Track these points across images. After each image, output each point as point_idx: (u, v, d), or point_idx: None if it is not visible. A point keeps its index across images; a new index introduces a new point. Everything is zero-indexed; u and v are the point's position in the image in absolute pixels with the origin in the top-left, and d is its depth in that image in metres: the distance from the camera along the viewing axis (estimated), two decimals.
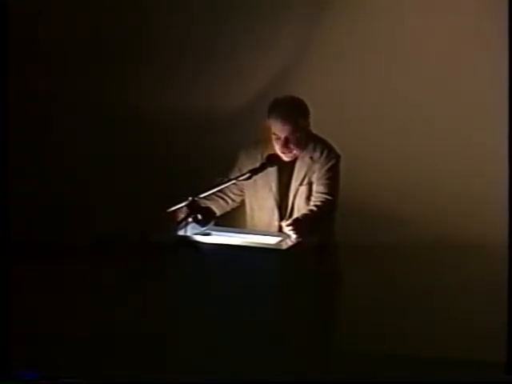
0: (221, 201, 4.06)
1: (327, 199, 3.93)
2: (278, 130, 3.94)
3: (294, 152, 3.97)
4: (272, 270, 3.63)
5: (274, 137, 3.96)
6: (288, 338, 3.67)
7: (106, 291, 4.77)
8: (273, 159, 3.96)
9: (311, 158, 3.98)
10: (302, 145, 3.97)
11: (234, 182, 3.95)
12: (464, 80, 4.84)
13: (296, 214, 3.92)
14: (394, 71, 4.95)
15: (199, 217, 3.81)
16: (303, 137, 3.96)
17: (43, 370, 3.80)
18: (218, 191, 3.99)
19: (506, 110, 4.15)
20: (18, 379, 3.71)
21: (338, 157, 4.01)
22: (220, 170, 4.08)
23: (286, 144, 3.94)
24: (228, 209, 4.10)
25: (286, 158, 3.98)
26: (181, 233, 3.80)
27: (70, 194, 5.24)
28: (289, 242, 3.75)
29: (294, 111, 3.94)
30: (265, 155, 3.97)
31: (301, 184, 3.98)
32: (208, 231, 3.87)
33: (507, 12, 4.17)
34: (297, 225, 3.77)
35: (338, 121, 4.81)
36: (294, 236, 3.76)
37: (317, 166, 3.97)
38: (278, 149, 3.96)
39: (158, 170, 5.14)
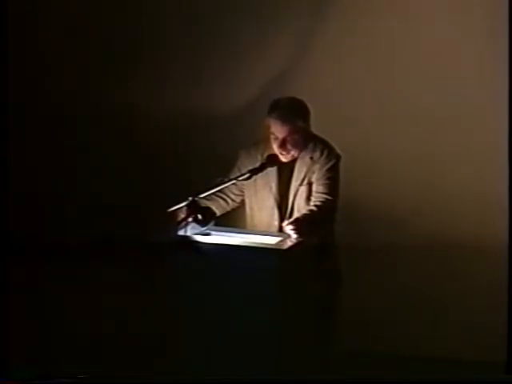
0: (221, 201, 4.05)
1: (327, 199, 3.93)
2: (276, 130, 3.93)
3: (292, 153, 3.97)
4: (272, 269, 3.63)
5: (272, 137, 3.96)
6: (288, 337, 3.67)
7: (106, 291, 4.77)
8: (273, 159, 3.95)
9: (311, 158, 3.98)
10: (299, 146, 3.96)
11: (233, 182, 3.95)
12: (464, 80, 4.84)
13: (296, 214, 3.92)
14: (394, 71, 4.94)
15: (199, 217, 3.81)
16: (301, 138, 3.96)
17: (43, 369, 3.80)
18: (218, 191, 3.98)
19: (506, 110, 4.15)
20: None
21: (338, 157, 4.01)
22: (220, 170, 4.08)
23: (283, 145, 3.94)
24: (228, 209, 4.10)
25: (283, 158, 3.98)
26: (181, 233, 3.80)
27: (69, 194, 5.24)
28: (289, 242, 3.74)
29: (293, 113, 3.94)
30: (265, 155, 3.97)
31: (301, 184, 3.98)
32: (208, 231, 3.87)
33: (507, 12, 4.18)
34: (297, 224, 3.77)
35: (338, 121, 4.81)
36: (294, 236, 3.76)
37: (317, 166, 3.97)
38: (275, 149, 3.96)
39: (158, 169, 5.14)
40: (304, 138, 3.97)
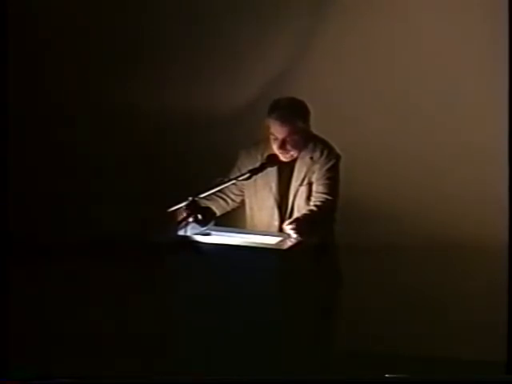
0: (221, 201, 4.06)
1: (327, 199, 3.93)
2: (276, 130, 3.94)
3: (291, 153, 3.97)
4: (272, 269, 3.63)
5: (271, 137, 3.96)
6: (288, 337, 3.67)
7: (105, 291, 4.77)
8: (273, 159, 3.96)
9: (311, 158, 3.98)
10: (299, 146, 3.97)
11: (233, 182, 3.95)
12: (464, 80, 4.84)
13: (296, 215, 3.92)
14: (394, 71, 4.94)
15: (199, 217, 3.81)
16: (301, 139, 3.96)
17: (43, 369, 3.80)
18: (218, 191, 3.99)
19: (506, 110, 4.15)
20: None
21: (337, 157, 4.01)
22: (220, 170, 4.08)
23: (282, 145, 3.94)
24: (228, 209, 4.10)
25: (283, 158, 3.98)
26: (181, 233, 3.80)
27: (69, 194, 5.24)
28: (289, 242, 3.75)
29: (292, 113, 3.94)
30: (265, 155, 3.97)
31: (301, 184, 3.98)
32: (208, 231, 3.87)
33: (507, 12, 4.18)
34: (297, 224, 3.77)
35: (338, 121, 4.81)
36: (294, 235, 3.76)
37: (317, 166, 3.97)
38: (275, 149, 3.97)
39: (158, 170, 5.14)
40: (304, 138, 3.97)
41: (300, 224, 3.78)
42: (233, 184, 4.00)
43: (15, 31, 4.58)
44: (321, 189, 3.95)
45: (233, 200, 4.09)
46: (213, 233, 3.87)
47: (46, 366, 3.93)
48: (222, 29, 5.09)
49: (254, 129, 4.26)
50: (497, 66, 4.50)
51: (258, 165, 3.94)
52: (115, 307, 4.67)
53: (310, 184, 3.98)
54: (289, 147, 3.95)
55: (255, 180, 3.97)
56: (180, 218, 3.81)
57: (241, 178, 3.93)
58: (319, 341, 3.87)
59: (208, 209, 3.93)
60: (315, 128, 4.04)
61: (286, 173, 4.01)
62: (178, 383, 3.75)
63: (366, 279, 4.69)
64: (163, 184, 4.99)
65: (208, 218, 3.88)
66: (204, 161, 4.97)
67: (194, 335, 3.70)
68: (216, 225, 3.95)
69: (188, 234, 3.80)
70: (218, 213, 4.04)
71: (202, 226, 3.85)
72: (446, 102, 4.89)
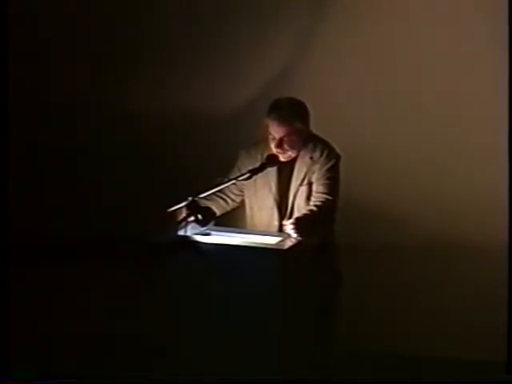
0: (221, 201, 4.06)
1: (327, 199, 3.93)
2: (274, 130, 3.94)
3: (289, 153, 3.98)
4: (272, 269, 3.63)
5: (270, 136, 3.97)
6: (288, 337, 3.67)
7: (106, 291, 4.77)
8: (273, 159, 3.96)
9: (311, 157, 3.98)
10: (296, 147, 3.97)
11: (233, 182, 3.95)
12: (464, 79, 4.84)
13: (296, 214, 3.92)
14: (394, 71, 4.94)
15: (199, 217, 3.81)
16: (299, 139, 3.96)
17: (43, 369, 3.80)
18: (218, 191, 3.99)
19: (506, 110, 4.15)
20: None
21: (338, 157, 4.01)
22: (220, 170, 4.08)
23: (280, 145, 3.94)
24: (228, 209, 4.10)
25: (281, 158, 3.98)
26: (181, 233, 3.80)
27: (69, 194, 5.24)
28: (289, 242, 3.75)
29: (291, 114, 3.94)
30: (265, 155, 3.97)
31: (301, 184, 3.98)
32: (208, 231, 3.87)
33: (507, 12, 4.18)
34: (298, 224, 3.77)
35: (338, 121, 4.81)
36: (294, 235, 3.76)
37: (317, 166, 3.97)
38: (272, 148, 3.97)
39: (158, 169, 5.14)
40: (302, 139, 3.97)
41: (300, 224, 3.78)
42: (233, 184, 4.00)
43: (15, 31, 4.58)
44: (321, 189, 3.95)
45: (233, 200, 4.09)
46: (213, 233, 3.87)
47: (45, 365, 3.92)
48: (222, 29, 5.09)
49: (253, 129, 4.26)
50: (497, 65, 4.50)
51: (257, 165, 3.94)
52: (115, 307, 4.66)
53: (310, 184, 3.98)
54: (286, 147, 3.95)
55: (255, 180, 3.97)
56: (180, 217, 3.81)
57: (241, 178, 3.93)
58: (319, 341, 3.87)
59: (208, 209, 3.93)
60: (315, 128, 4.04)
61: (285, 173, 4.01)
62: (178, 383, 3.75)
63: (366, 279, 4.69)
64: (163, 184, 4.99)
65: (208, 218, 3.88)
66: (204, 161, 4.97)
67: (194, 335, 3.70)
68: (216, 225, 3.95)
69: (188, 233, 3.80)
70: (218, 213, 4.04)
71: (202, 226, 3.85)
72: (445, 101, 4.90)
